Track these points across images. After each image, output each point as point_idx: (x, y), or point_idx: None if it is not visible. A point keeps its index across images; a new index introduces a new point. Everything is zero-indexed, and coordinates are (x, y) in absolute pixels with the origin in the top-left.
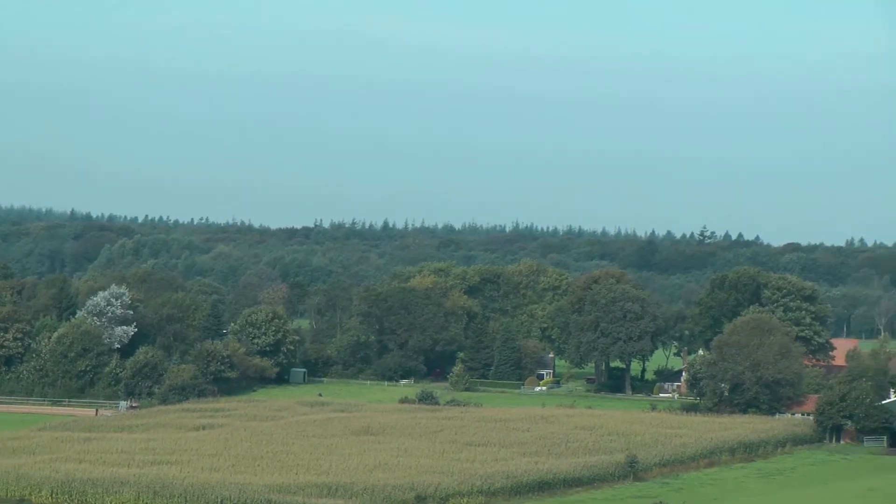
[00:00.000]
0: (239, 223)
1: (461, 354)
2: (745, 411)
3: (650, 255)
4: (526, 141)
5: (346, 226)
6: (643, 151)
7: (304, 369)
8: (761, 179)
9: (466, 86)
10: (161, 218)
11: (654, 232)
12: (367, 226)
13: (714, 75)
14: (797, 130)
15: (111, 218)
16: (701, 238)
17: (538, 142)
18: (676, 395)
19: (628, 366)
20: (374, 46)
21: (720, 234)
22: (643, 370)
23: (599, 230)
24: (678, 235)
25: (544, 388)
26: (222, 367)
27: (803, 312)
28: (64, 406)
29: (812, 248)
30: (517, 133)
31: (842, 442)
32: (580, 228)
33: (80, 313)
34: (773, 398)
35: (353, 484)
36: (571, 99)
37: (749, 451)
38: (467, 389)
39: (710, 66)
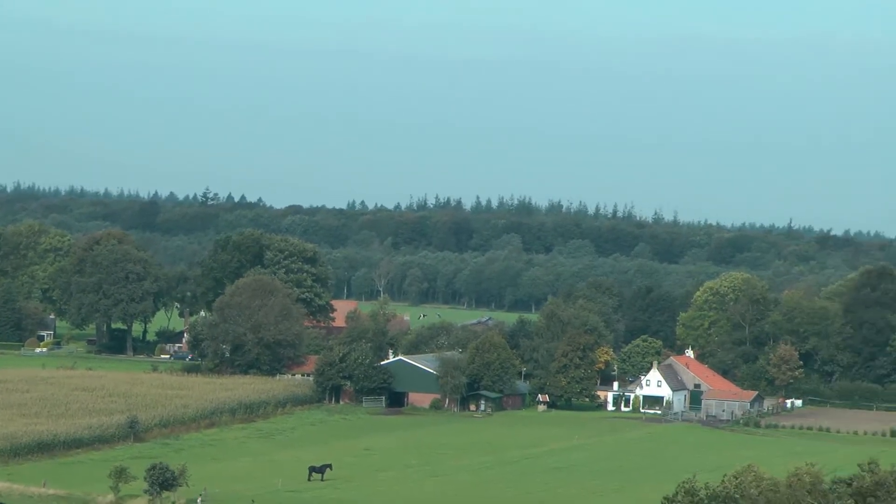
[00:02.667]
0: None
1: None
2: (246, 372)
3: (153, 216)
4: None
5: None
6: (161, 103)
7: None
8: (260, 142)
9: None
10: None
11: (157, 193)
12: None
13: (262, 41)
14: (299, 92)
15: None
16: (204, 200)
17: (38, 96)
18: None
19: (130, 327)
20: None
21: (223, 196)
22: (145, 331)
23: (102, 191)
24: (181, 197)
25: (45, 349)
26: None
27: (305, 274)
28: None
29: (314, 211)
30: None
31: (341, 402)
32: (83, 189)
33: None
34: (274, 359)
35: None
36: (97, 60)
37: (249, 411)
38: None
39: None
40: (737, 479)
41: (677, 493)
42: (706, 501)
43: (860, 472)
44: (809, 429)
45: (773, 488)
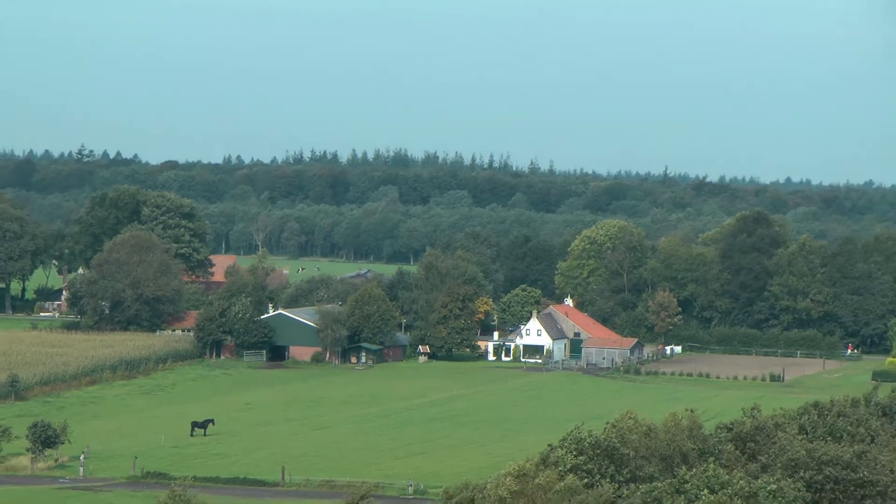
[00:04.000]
0: None
1: None
2: (126, 329)
3: (28, 174)
4: None
5: None
6: (31, 59)
7: None
8: (134, 97)
9: None
10: None
11: (31, 151)
12: None
13: None
14: (170, 46)
15: None
16: (79, 157)
17: None
18: (57, 314)
19: (8, 285)
20: None
21: (99, 152)
22: (23, 289)
23: None
24: (56, 154)
25: None
26: None
27: (182, 229)
28: None
29: (190, 166)
30: None
31: (222, 357)
32: None
33: None
34: (153, 315)
35: None
36: None
37: (130, 368)
38: None
39: None
40: (615, 426)
41: (566, 439)
42: (589, 449)
43: (743, 416)
44: (689, 375)
45: (650, 433)
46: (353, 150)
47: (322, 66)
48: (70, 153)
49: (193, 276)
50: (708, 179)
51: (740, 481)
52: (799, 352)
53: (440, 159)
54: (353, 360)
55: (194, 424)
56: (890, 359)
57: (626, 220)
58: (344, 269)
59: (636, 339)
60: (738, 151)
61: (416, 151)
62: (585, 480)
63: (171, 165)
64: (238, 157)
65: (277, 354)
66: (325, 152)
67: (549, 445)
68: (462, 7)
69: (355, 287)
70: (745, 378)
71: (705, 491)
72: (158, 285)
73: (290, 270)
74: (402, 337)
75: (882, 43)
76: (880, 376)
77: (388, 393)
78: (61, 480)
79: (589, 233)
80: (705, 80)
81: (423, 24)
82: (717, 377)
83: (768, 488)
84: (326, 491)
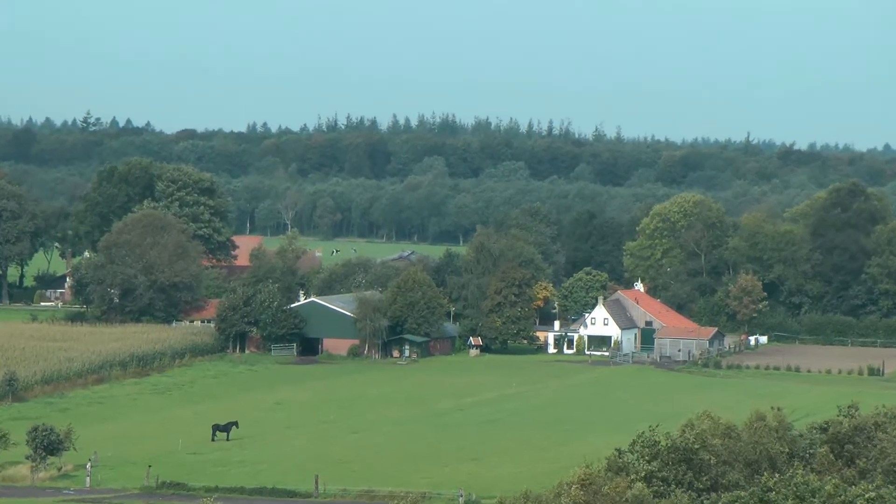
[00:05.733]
0: None
1: None
2: (138, 319)
3: (27, 145)
4: None
5: None
6: (31, 19)
7: None
8: (144, 58)
9: None
10: None
11: (31, 119)
12: None
13: None
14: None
15: None
16: (85, 125)
17: None
18: (60, 304)
19: (5, 272)
20: None
21: (106, 120)
22: (22, 276)
23: None
24: (59, 123)
25: None
26: None
27: (201, 207)
28: None
29: (210, 135)
30: None
31: (247, 351)
32: None
33: None
34: (169, 304)
35: None
36: None
37: (143, 363)
38: None
39: None
40: (693, 428)
41: (635, 443)
42: (665, 453)
43: (839, 415)
44: (777, 368)
45: (730, 433)
46: (395, 116)
47: (352, 20)
48: (74, 121)
49: (214, 260)
50: (796, 147)
51: (833, 488)
52: None
53: (493, 126)
54: (395, 353)
55: (216, 427)
56: None
57: (704, 194)
58: (384, 251)
59: (716, 329)
60: (830, 115)
61: (466, 117)
62: (657, 488)
63: (188, 134)
64: (264, 124)
65: (309, 348)
66: (362, 118)
67: (616, 450)
68: None
69: (397, 271)
70: (839, 372)
71: (791, 500)
72: (174, 270)
73: (323, 253)
74: (451, 327)
75: None
76: None
77: (435, 391)
78: (65, 492)
79: (661, 208)
80: (791, 38)
81: None
82: (808, 371)
83: (866, 496)
84: (366, 502)
